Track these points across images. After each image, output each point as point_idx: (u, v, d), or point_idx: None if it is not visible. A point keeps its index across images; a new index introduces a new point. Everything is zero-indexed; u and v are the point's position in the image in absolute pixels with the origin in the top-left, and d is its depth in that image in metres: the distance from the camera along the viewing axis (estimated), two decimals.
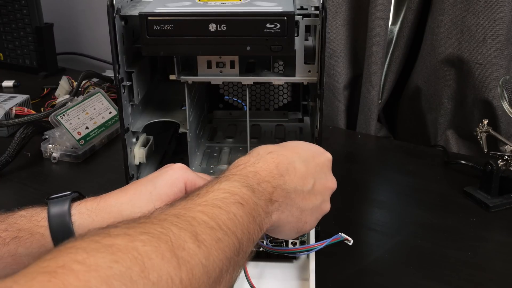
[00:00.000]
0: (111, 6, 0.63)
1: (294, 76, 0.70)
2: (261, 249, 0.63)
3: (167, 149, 0.87)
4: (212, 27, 0.62)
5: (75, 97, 1.12)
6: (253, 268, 0.70)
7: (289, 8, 0.63)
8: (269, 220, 0.50)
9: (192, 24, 0.63)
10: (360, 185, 0.97)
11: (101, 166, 1.03)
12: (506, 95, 0.87)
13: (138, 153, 0.74)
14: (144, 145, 0.76)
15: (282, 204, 0.51)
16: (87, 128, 1.07)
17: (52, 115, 1.03)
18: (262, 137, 0.91)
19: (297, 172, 0.53)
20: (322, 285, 0.67)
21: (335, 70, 1.20)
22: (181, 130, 0.75)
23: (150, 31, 0.63)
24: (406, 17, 1.13)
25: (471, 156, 1.09)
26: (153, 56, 0.80)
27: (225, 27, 0.62)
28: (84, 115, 1.08)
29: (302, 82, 0.71)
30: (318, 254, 0.66)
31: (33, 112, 1.17)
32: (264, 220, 0.48)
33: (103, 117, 1.11)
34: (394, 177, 1.00)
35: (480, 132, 0.90)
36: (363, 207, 0.91)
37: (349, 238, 0.60)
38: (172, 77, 0.71)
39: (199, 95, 0.87)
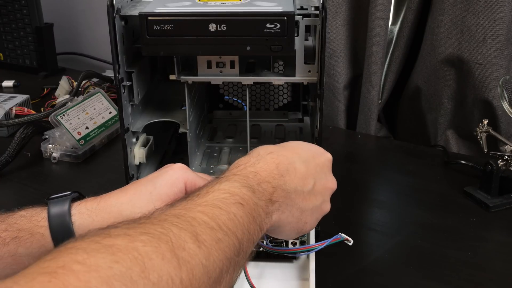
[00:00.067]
0: (111, 6, 0.63)
1: (294, 76, 0.70)
2: (261, 249, 0.63)
3: (167, 149, 0.87)
4: (212, 27, 0.62)
5: (75, 97, 1.12)
6: (253, 268, 0.70)
7: (289, 8, 0.63)
8: (269, 221, 0.50)
9: (192, 24, 0.63)
10: (360, 185, 0.97)
11: (101, 166, 1.03)
12: (506, 95, 0.87)
13: (138, 153, 0.74)
14: (144, 145, 0.76)
15: (282, 205, 0.51)
16: (87, 128, 1.07)
17: (52, 115, 1.03)
18: (262, 137, 0.91)
19: (297, 172, 0.53)
20: (322, 285, 0.67)
21: (335, 70, 1.20)
22: (181, 130, 0.75)
23: (150, 31, 0.63)
24: (406, 17, 1.13)
25: (471, 156, 1.09)
26: (153, 56, 0.79)
27: (225, 27, 0.62)
28: (84, 115, 1.08)
29: (302, 82, 0.71)
30: (318, 254, 0.66)
31: (33, 112, 1.17)
32: (265, 220, 0.48)
33: (103, 117, 1.11)
34: (394, 177, 1.00)
35: (480, 132, 0.90)
36: (363, 207, 0.91)
37: (349, 239, 0.60)
38: (172, 77, 0.71)
39: (199, 95, 0.87)
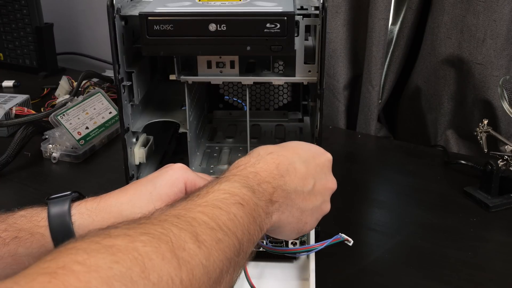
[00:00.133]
0: (111, 6, 0.63)
1: (294, 76, 0.70)
2: (261, 249, 0.63)
3: (167, 149, 0.87)
4: (212, 27, 0.62)
5: (75, 97, 1.13)
6: (253, 268, 0.70)
7: (289, 8, 0.63)
8: (269, 221, 0.50)
9: (192, 24, 0.63)
10: (360, 185, 0.97)
11: (101, 166, 1.03)
12: (506, 95, 0.87)
13: (138, 153, 0.74)
14: (144, 145, 0.76)
15: (282, 205, 0.51)
16: (87, 128, 1.07)
17: (52, 115, 1.03)
18: (262, 137, 0.91)
19: (297, 172, 0.53)
20: (322, 285, 0.67)
21: (335, 70, 1.20)
22: (181, 130, 0.75)
23: (150, 31, 0.63)
24: (406, 17, 1.13)
25: (471, 156, 1.09)
26: (153, 56, 0.79)
27: (225, 27, 0.62)
28: (84, 115, 1.08)
29: (302, 82, 0.71)
30: (318, 254, 0.66)
31: (33, 112, 1.17)
32: (265, 220, 0.48)
33: (103, 117, 1.11)
34: (394, 177, 1.00)
35: (480, 132, 0.90)
36: (363, 207, 0.91)
37: (349, 239, 0.60)
38: (172, 77, 0.71)
39: (199, 95, 0.87)
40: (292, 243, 0.69)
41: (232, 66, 0.70)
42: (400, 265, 0.75)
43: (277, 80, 0.73)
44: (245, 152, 0.82)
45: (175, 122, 0.76)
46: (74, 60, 1.66)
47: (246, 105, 0.83)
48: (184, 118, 0.75)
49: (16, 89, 1.43)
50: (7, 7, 1.48)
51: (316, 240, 0.69)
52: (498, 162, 0.86)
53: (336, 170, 0.59)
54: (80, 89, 1.21)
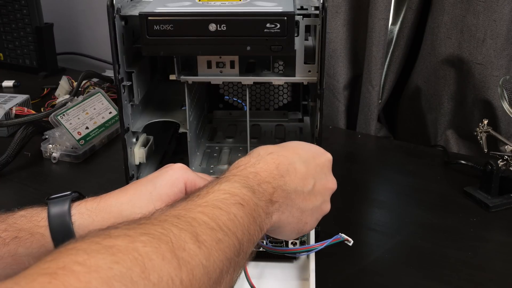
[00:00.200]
0: (111, 6, 0.63)
1: (294, 76, 0.70)
2: (261, 249, 0.63)
3: (167, 149, 0.87)
4: (212, 27, 0.62)
5: (75, 97, 1.12)
6: (253, 268, 0.70)
7: (289, 8, 0.63)
8: (269, 221, 0.50)
9: (192, 24, 0.63)
10: (360, 185, 0.97)
11: (101, 166, 1.03)
12: (506, 95, 0.87)
13: (138, 153, 0.74)
14: (144, 145, 0.76)
15: (282, 205, 0.51)
16: (87, 128, 1.07)
17: (52, 115, 1.03)
18: (262, 137, 0.91)
19: (297, 172, 0.53)
20: (322, 285, 0.67)
21: (335, 70, 1.20)
22: (181, 130, 0.75)
23: (150, 31, 0.63)
24: (406, 17, 1.13)
25: (471, 156, 1.09)
26: (153, 56, 0.79)
27: (225, 27, 0.62)
28: (84, 115, 1.08)
29: (302, 82, 0.71)
30: (318, 254, 0.66)
31: (33, 112, 1.17)
32: (265, 221, 0.48)
33: (103, 117, 1.11)
34: (394, 177, 1.00)
35: (480, 132, 0.90)
36: (363, 207, 0.91)
37: (349, 239, 0.60)
38: (172, 77, 0.71)
39: (199, 95, 0.87)
40: (292, 243, 0.69)
41: (232, 66, 0.70)
42: (400, 265, 0.75)
43: (277, 80, 0.73)
44: (245, 152, 0.82)
45: (175, 122, 0.76)
46: (74, 60, 1.66)
47: (246, 105, 0.83)
48: (184, 118, 0.75)
49: (16, 89, 1.43)
50: (7, 7, 1.48)
51: (316, 240, 0.69)
52: (498, 162, 0.86)
53: (336, 170, 0.59)
54: (80, 89, 1.21)
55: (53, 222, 0.51)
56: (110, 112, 1.13)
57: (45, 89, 1.38)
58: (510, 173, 0.87)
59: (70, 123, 1.05)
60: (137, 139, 0.75)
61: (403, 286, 0.71)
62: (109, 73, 1.38)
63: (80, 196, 0.55)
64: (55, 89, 1.30)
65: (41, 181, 0.98)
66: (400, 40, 1.16)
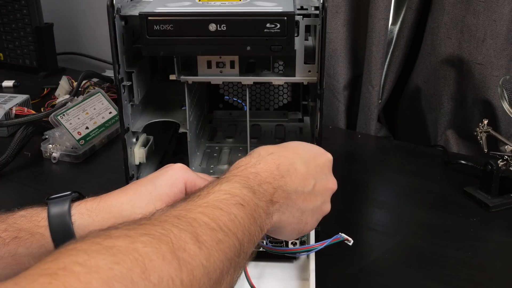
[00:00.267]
0: (111, 6, 0.63)
1: (294, 76, 0.70)
2: (261, 249, 0.63)
3: (167, 149, 0.87)
4: (212, 27, 0.62)
5: (75, 97, 1.12)
6: (253, 268, 0.70)
7: (289, 8, 0.63)
8: (270, 221, 0.50)
9: (192, 24, 0.63)
10: (360, 185, 0.97)
11: (101, 166, 1.03)
12: (506, 95, 0.87)
13: (138, 153, 0.74)
14: (144, 145, 0.76)
15: (283, 205, 0.51)
16: (87, 128, 1.07)
17: (52, 115, 1.03)
18: (262, 137, 0.91)
19: (298, 173, 0.53)
20: (322, 285, 0.67)
21: (335, 70, 1.20)
22: (181, 130, 0.75)
23: (150, 31, 0.63)
24: (406, 17, 1.13)
25: (471, 156, 1.09)
26: (153, 56, 0.79)
27: (225, 27, 0.62)
28: (84, 115, 1.08)
29: (302, 82, 0.71)
30: (318, 254, 0.66)
31: (33, 112, 1.17)
32: (265, 221, 0.48)
33: (103, 117, 1.11)
34: (394, 177, 1.00)
35: (480, 132, 0.90)
36: (363, 207, 0.91)
37: (349, 239, 0.60)
38: (172, 77, 0.71)
39: (199, 95, 0.87)
40: (292, 243, 0.69)
41: (232, 66, 0.70)
42: (400, 265, 0.75)
43: (277, 80, 0.73)
44: (245, 152, 0.82)
45: (175, 122, 0.76)
46: (74, 60, 1.66)
47: (246, 105, 0.83)
48: (184, 118, 0.75)
49: (16, 89, 1.43)
50: (7, 7, 1.48)
51: (316, 240, 0.69)
52: (498, 162, 0.86)
53: (336, 170, 0.59)
54: (80, 89, 1.21)
55: (53, 222, 0.51)
56: (110, 112, 1.13)
57: (45, 89, 1.38)
58: (510, 173, 0.87)
59: (70, 123, 1.05)
60: (137, 139, 0.75)
61: (403, 286, 0.71)
62: (109, 73, 1.38)
63: (80, 196, 0.55)
64: (55, 89, 1.30)
65: (41, 181, 0.98)
66: (400, 40, 1.16)
